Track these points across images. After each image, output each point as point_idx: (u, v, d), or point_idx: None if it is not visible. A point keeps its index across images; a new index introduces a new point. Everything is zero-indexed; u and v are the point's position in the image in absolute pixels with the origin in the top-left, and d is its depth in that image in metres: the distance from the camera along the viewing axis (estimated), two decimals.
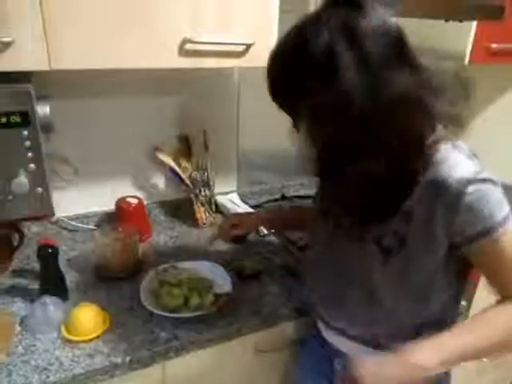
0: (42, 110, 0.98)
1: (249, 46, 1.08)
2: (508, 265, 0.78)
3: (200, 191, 1.47)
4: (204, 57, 1.05)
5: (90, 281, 1.18)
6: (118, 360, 0.93)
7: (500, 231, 0.75)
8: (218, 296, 1.09)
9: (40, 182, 0.98)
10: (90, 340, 0.97)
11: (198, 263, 1.22)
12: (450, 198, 0.74)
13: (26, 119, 0.93)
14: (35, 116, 0.94)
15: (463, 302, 1.45)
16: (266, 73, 0.77)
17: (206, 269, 1.19)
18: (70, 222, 1.40)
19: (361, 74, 0.67)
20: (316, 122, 0.74)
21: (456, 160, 0.76)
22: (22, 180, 0.96)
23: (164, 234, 1.45)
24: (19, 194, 0.96)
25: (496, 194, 0.75)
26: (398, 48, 0.71)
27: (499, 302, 0.80)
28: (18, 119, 0.93)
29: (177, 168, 1.42)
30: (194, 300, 1.08)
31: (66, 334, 0.97)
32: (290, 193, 1.74)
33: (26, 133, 0.94)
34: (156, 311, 1.03)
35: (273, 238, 1.42)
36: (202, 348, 1.02)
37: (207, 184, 1.47)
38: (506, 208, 0.76)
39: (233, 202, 1.57)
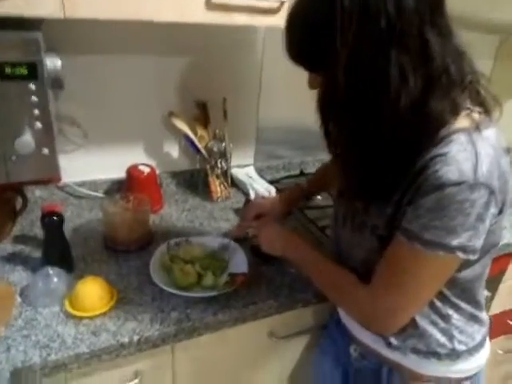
0: (52, 62, 0.88)
1: (283, 3, 0.97)
2: (396, 271, 0.74)
3: (216, 163, 1.37)
4: (233, 12, 0.94)
5: (97, 252, 1.11)
6: (125, 339, 0.86)
7: (422, 249, 0.68)
8: (233, 276, 1.02)
9: (46, 142, 0.89)
10: (95, 316, 0.90)
11: (213, 239, 1.14)
12: (423, 186, 0.67)
13: (34, 71, 0.84)
14: (43, 68, 0.85)
15: (487, 293, 1.37)
16: (288, 16, 0.72)
17: (221, 246, 1.10)
18: (77, 188, 1.32)
19: (393, 22, 0.62)
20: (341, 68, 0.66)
21: (456, 157, 0.65)
22: (27, 139, 0.87)
23: (176, 206, 1.37)
24: (23, 154, 0.87)
25: (469, 214, 0.65)
26: (435, 4, 0.65)
27: (360, 282, 0.80)
28: (24, 71, 0.83)
29: (193, 136, 1.32)
30: (208, 279, 1.00)
31: (69, 309, 0.90)
32: (309, 169, 1.64)
33: (32, 87, 0.85)
34: (167, 288, 0.95)
35: (292, 217, 1.33)
36: (214, 330, 0.95)
37: (224, 155, 1.38)
38: (460, 238, 0.66)
39: (249, 175, 1.48)
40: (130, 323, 0.90)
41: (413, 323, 0.79)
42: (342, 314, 0.97)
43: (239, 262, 1.05)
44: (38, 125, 0.88)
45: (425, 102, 0.66)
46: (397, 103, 0.65)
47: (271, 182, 1.50)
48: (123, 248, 1.11)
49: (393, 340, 0.83)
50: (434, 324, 0.80)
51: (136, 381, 0.92)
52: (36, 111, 0.86)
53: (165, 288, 0.95)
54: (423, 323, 0.80)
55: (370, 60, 0.64)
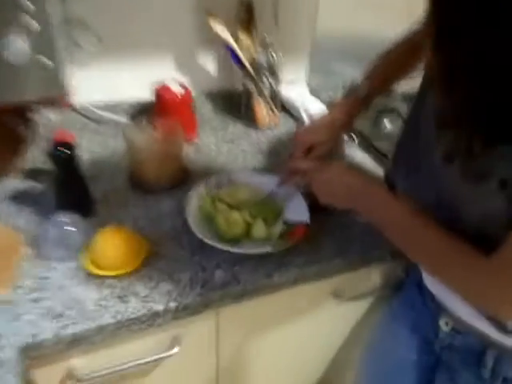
0: None
1: None
2: None
3: (262, 80, 1.11)
4: None
5: (122, 192, 0.90)
6: (159, 307, 0.68)
7: None
8: (290, 226, 0.81)
9: (45, 47, 0.65)
10: (122, 275, 0.71)
11: (262, 178, 0.91)
12: None
13: None
14: None
15: None
16: None
17: (274, 187, 0.88)
18: (97, 111, 1.10)
19: None
20: None
21: None
22: (19, 44, 0.63)
23: (214, 135, 1.13)
24: (16, 64, 0.64)
25: None
26: None
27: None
28: None
29: (234, 44, 1.05)
30: (259, 229, 0.80)
31: (89, 266, 0.72)
32: None
33: None
34: (209, 241, 0.75)
35: (355, 150, 1.09)
36: (268, 293, 0.76)
37: (272, 70, 1.11)
38: None
39: (302, 96, 1.21)
40: (164, 285, 0.71)
41: None
42: (428, 279, 0.75)
43: (297, 209, 0.83)
44: (34, 24, 0.64)
45: None
46: None
47: (328, 105, 1.23)
48: (153, 187, 0.91)
49: (510, 324, 0.62)
50: None
51: (175, 350, 0.75)
52: (29, 4, 0.62)
53: (206, 241, 0.75)
54: None
55: None
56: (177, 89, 1.05)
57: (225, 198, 0.85)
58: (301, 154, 0.85)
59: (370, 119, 1.21)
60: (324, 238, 0.82)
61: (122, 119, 1.12)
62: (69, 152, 0.76)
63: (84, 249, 0.74)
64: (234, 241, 0.78)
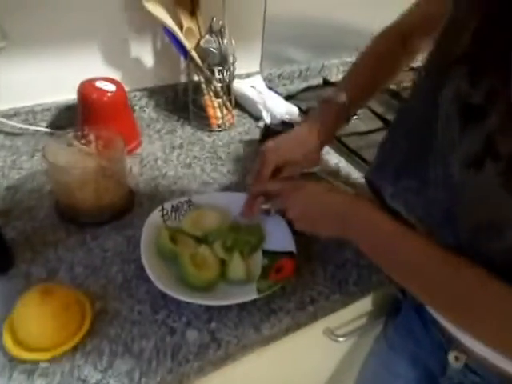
0: None
1: None
2: None
3: (213, 71, 0.93)
4: None
5: (49, 230, 0.69)
6: None
7: None
8: (271, 258, 0.65)
9: None
10: (61, 356, 0.52)
11: (232, 197, 0.74)
12: None
13: None
14: None
15: None
16: None
17: (238, 215, 0.71)
18: (5, 121, 0.86)
19: None
20: None
21: None
22: None
23: (160, 141, 0.93)
24: None
25: None
26: None
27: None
28: None
29: (177, 30, 0.85)
30: (236, 267, 0.63)
31: (11, 347, 0.52)
32: (334, 76, 1.22)
33: None
34: (174, 295, 0.57)
35: (335, 161, 0.94)
36: (256, 350, 0.61)
37: (224, 60, 0.92)
38: None
39: (258, 90, 1.05)
40: (121, 362, 0.53)
41: None
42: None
43: (277, 234, 0.68)
44: None
45: None
46: None
47: (287, 98, 1.08)
48: (89, 219, 0.71)
49: None
50: None
51: None
52: None
53: (169, 293, 0.58)
54: None
55: None
56: (108, 87, 0.84)
57: (188, 228, 0.67)
58: (268, 175, 0.68)
59: None
60: (314, 269, 0.67)
61: (41, 130, 0.88)
62: None
63: (4, 322, 0.53)
64: (206, 286, 0.61)
